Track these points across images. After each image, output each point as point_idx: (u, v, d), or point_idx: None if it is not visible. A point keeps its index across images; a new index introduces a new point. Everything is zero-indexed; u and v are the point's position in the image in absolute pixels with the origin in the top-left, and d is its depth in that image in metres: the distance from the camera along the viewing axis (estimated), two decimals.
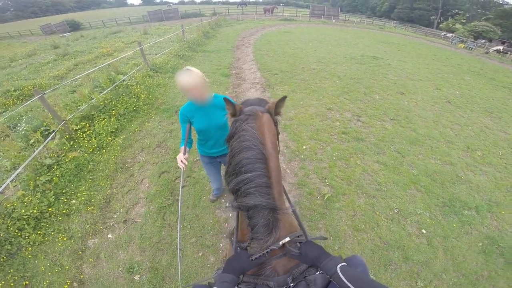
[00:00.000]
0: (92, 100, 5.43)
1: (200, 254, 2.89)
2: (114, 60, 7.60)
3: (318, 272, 0.98)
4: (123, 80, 6.59)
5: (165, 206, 3.46)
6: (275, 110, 1.18)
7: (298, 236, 1.11)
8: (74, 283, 2.73)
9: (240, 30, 19.76)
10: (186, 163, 1.97)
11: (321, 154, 4.37)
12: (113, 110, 5.47)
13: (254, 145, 0.99)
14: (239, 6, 45.00)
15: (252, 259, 1.01)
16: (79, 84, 7.32)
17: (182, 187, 2.16)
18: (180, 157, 1.98)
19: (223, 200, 3.50)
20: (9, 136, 4.66)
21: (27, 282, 2.70)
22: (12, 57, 13.05)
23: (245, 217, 1.05)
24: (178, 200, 3.54)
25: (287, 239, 1.04)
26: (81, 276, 2.79)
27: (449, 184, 3.86)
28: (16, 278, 2.70)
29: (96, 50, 12.65)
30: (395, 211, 3.35)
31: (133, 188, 3.80)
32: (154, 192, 3.66)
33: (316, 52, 12.28)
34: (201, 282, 2.53)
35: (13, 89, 7.68)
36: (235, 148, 1.02)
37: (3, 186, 3.34)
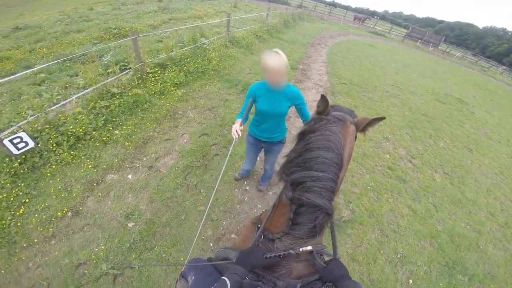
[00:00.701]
0: (171, 53, 5.86)
1: (201, 224, 2.98)
2: (202, 23, 8.06)
3: (324, 287, 0.98)
4: (203, 43, 6.99)
5: (192, 166, 3.60)
6: (363, 127, 1.13)
7: (322, 249, 1.06)
8: (70, 212, 2.88)
9: (321, 29, 19.07)
10: (240, 134, 1.99)
11: (358, 179, 4.12)
12: (185, 66, 5.84)
13: (337, 149, 0.96)
14: (328, 6, 43.25)
15: (266, 257, 1.00)
16: (167, 36, 7.89)
17: (228, 156, 2.21)
18: (236, 127, 1.99)
19: (245, 182, 3.54)
20: (93, 62, 5.29)
21: (27, 201, 2.88)
22: (123, 1, 14.51)
23: (288, 211, 1.02)
24: (206, 165, 3.70)
25: (309, 248, 1.01)
26: (80, 208, 2.94)
27: (464, 248, 3.47)
28: (20, 193, 2.90)
29: (190, 11, 13.40)
30: (399, 255, 3.13)
31: (172, 139, 4.03)
32: (188, 150, 3.83)
33: (396, 75, 11.18)
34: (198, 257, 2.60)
35: (114, 27, 8.53)
36: (314, 143, 0.99)
37: (68, 100, 3.80)
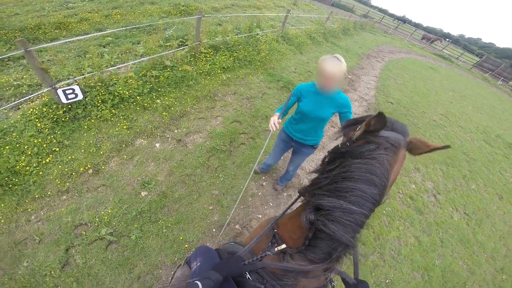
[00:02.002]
0: (227, 37, 5.86)
1: (210, 208, 2.89)
2: (260, 14, 7.96)
3: None
4: (257, 34, 6.91)
5: (217, 149, 3.57)
6: (418, 151, 0.93)
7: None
8: (91, 170, 2.95)
9: (381, 42, 17.70)
10: (278, 126, 1.92)
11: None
12: (236, 52, 5.80)
13: (381, 185, 0.80)
14: (397, 20, 39.94)
15: (244, 264, 0.97)
16: (226, 20, 7.96)
17: (263, 150, 2.14)
18: (275, 119, 1.92)
19: (263, 177, 3.42)
20: (156, 34, 5.49)
21: (57, 149, 3.00)
22: None
23: (306, 229, 0.90)
24: (231, 151, 3.65)
25: (283, 246, 0.99)
26: (102, 167, 2.99)
27: (450, 285, 3.15)
28: (54, 141, 3.02)
29: (252, 0, 13.37)
30: (387, 281, 2.89)
31: (206, 118, 4.04)
32: (218, 132, 3.81)
33: (449, 105, 9.94)
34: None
35: (182, 4, 8.80)
36: (354, 172, 0.82)
37: (124, 64, 3.98)
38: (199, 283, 0.82)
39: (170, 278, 1.37)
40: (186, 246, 2.54)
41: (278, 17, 10.15)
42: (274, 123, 1.89)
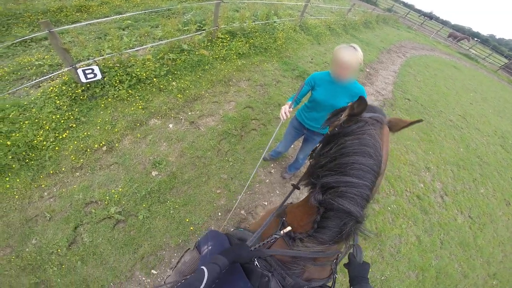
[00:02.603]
0: (244, 24, 5.70)
1: (218, 192, 2.85)
2: (278, 2, 7.70)
3: None
4: (274, 22, 6.68)
5: (229, 133, 3.51)
6: (397, 127, 1.00)
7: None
8: (105, 147, 2.96)
9: (404, 37, 16.74)
10: (288, 115, 1.86)
11: (383, 197, 3.63)
12: (252, 39, 5.65)
13: (375, 155, 0.84)
14: (423, 16, 37.71)
15: (251, 250, 1.00)
16: (244, 7, 7.76)
17: (273, 138, 2.07)
18: (286, 108, 1.86)
19: (272, 165, 3.34)
20: (175, 18, 5.43)
21: (74, 126, 3.02)
22: None
23: (315, 213, 0.91)
24: (242, 136, 3.58)
25: (289, 228, 1.02)
26: (116, 145, 3.00)
27: (442, 287, 3.04)
28: (71, 117, 3.04)
29: None
30: (383, 278, 2.81)
31: (219, 102, 3.97)
32: (230, 116, 3.74)
33: (469, 106, 9.26)
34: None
35: None
36: (350, 147, 0.86)
37: (143, 47, 3.95)
38: (205, 269, 0.81)
39: (176, 262, 1.33)
40: (192, 228, 2.51)
41: (297, 6, 9.81)
42: (285, 112, 1.84)
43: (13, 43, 4.37)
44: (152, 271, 2.22)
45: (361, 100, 0.91)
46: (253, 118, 3.89)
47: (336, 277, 1.05)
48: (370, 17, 14.74)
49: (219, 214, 2.67)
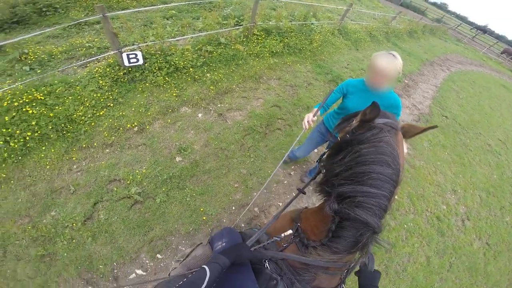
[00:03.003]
0: (280, 22, 5.62)
1: (235, 186, 2.83)
2: (317, 4, 7.49)
3: None
4: (312, 23, 6.50)
5: (254, 130, 3.49)
6: (410, 134, 0.97)
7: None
8: (136, 127, 3.05)
9: (451, 50, 15.41)
10: (312, 125, 1.78)
11: (401, 214, 3.40)
12: (287, 39, 5.54)
13: (394, 164, 0.80)
14: (475, 29, 34.44)
15: (251, 250, 1.00)
16: (281, 6, 7.65)
17: (295, 142, 2.03)
18: (309, 117, 1.78)
19: (292, 167, 3.26)
20: (215, 11, 5.51)
21: (111, 105, 3.15)
22: None
23: (330, 221, 0.88)
24: (266, 134, 3.53)
25: (290, 231, 1.04)
26: (147, 127, 3.08)
27: None
28: (110, 97, 3.16)
29: None
30: None
31: (248, 98, 3.96)
32: (257, 113, 3.71)
33: None
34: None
35: None
36: (367, 156, 0.82)
37: (183, 37, 4.04)
38: (206, 268, 0.81)
39: (185, 255, 1.31)
40: (204, 218, 2.52)
41: (337, 10, 9.45)
42: (307, 121, 1.76)
43: (69, 25, 4.72)
44: (158, 255, 2.25)
45: (374, 105, 0.88)
46: (279, 118, 3.82)
47: (343, 287, 1.02)
48: (416, 26, 13.79)
49: (233, 208, 2.66)
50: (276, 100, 4.10)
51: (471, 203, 4.25)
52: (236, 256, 0.93)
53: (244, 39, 4.85)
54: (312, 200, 3.00)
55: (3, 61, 3.81)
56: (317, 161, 1.21)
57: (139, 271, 2.17)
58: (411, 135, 0.98)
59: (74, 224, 2.30)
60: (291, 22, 5.84)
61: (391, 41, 10.25)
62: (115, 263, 2.17)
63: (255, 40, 4.97)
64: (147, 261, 2.22)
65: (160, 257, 2.25)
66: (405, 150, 1.01)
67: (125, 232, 2.33)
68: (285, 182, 3.09)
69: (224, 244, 1.13)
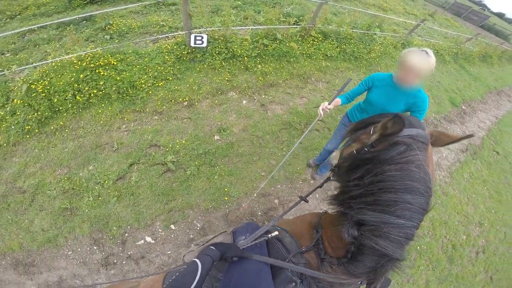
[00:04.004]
0: (341, 28, 5.33)
1: (262, 174, 2.79)
2: (385, 15, 6.91)
3: None
4: (375, 33, 6.03)
5: (292, 125, 3.44)
6: (440, 143, 0.83)
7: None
8: (187, 102, 3.20)
9: None
10: (328, 112, 1.73)
11: (417, 235, 2.99)
12: (345, 45, 5.23)
13: (426, 192, 0.69)
14: None
15: (241, 248, 0.95)
16: (344, 12, 7.26)
17: (309, 129, 1.95)
18: (325, 104, 1.72)
19: (317, 172, 3.07)
20: (277, 8, 5.44)
21: (170, 79, 3.33)
22: None
23: (347, 242, 0.78)
24: (303, 131, 3.43)
25: (276, 232, 0.98)
26: (196, 104, 3.17)
27: None
28: (171, 71, 3.33)
29: (378, 0, 11.72)
30: None
31: (292, 95, 3.89)
32: (298, 111, 3.65)
33: None
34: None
35: None
36: (393, 182, 0.69)
37: (244, 28, 4.10)
38: (198, 261, 0.78)
39: (205, 240, 1.28)
40: (226, 198, 2.55)
41: (405, 24, 8.63)
42: (322, 109, 1.69)
43: (149, 4, 5.12)
44: (172, 225, 2.29)
45: (398, 118, 0.72)
46: (320, 120, 3.67)
47: None
48: (493, 51, 11.92)
49: (255, 195, 2.65)
50: (320, 102, 3.91)
51: (493, 238, 3.76)
52: (224, 250, 0.89)
53: (300, 39, 4.72)
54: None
55: (90, 29, 4.31)
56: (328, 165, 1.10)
57: (149, 239, 2.21)
58: (441, 144, 0.84)
59: (106, 182, 2.40)
60: (352, 29, 5.50)
61: (459, 62, 9.05)
62: (129, 227, 2.22)
63: (311, 41, 4.80)
64: (159, 230, 2.26)
65: (174, 228, 2.29)
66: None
67: (149, 198, 2.39)
68: (312, 182, 2.99)
69: (247, 240, 1.08)
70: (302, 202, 1.22)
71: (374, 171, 0.75)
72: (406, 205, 0.68)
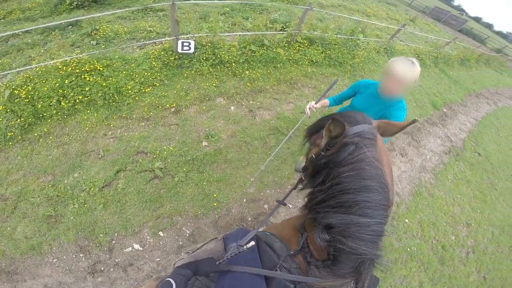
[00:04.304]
0: (326, 34, 5.42)
1: (251, 179, 2.82)
2: (368, 21, 7.11)
3: None
4: (358, 39, 6.19)
5: (279, 130, 3.48)
6: (388, 133, 0.84)
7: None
8: (174, 108, 3.21)
9: (504, 84, 13.31)
10: (314, 111, 1.78)
11: (407, 237, 3.17)
12: (329, 50, 5.33)
13: (381, 187, 0.71)
14: None
15: (217, 263, 0.90)
16: (329, 18, 7.41)
17: (296, 128, 1.99)
18: (312, 104, 1.77)
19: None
20: (265, 14, 5.48)
21: (157, 85, 3.32)
22: None
23: (325, 245, 0.79)
24: (291, 137, 3.45)
25: (252, 243, 0.90)
26: (183, 110, 3.17)
27: None
28: (158, 77, 3.33)
29: (362, 6, 12.04)
30: None
31: (280, 100, 3.95)
32: (285, 116, 3.70)
33: None
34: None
35: None
36: (348, 184, 0.72)
37: (231, 34, 4.14)
38: (172, 281, 0.77)
39: (196, 248, 1.24)
40: (215, 204, 2.54)
41: (388, 28, 8.89)
42: (309, 107, 1.75)
43: (137, 9, 5.07)
44: (160, 232, 2.26)
45: (337, 120, 0.74)
46: (306, 125, 3.73)
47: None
48: (471, 54, 12.44)
49: (244, 200, 2.67)
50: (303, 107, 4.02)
51: (481, 238, 3.87)
52: (198, 269, 0.87)
53: (286, 45, 4.79)
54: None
55: (76, 34, 4.22)
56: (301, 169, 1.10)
57: (137, 246, 2.17)
58: (389, 134, 0.86)
59: (91, 189, 2.35)
60: (337, 35, 5.61)
61: (439, 66, 9.39)
62: (116, 234, 2.18)
63: (297, 47, 4.87)
64: (148, 237, 2.23)
65: (162, 235, 2.26)
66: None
67: (136, 205, 2.35)
68: (300, 186, 3.02)
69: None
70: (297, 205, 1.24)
71: (331, 174, 0.77)
72: (366, 204, 0.69)
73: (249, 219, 2.56)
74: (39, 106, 2.83)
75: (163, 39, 4.01)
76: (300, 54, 4.81)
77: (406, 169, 4.14)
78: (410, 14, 16.31)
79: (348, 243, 0.70)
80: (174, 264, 1.24)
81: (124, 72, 3.28)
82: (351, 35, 6.04)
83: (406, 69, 1.36)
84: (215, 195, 2.60)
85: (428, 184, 4.03)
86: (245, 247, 0.91)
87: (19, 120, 2.73)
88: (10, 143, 2.61)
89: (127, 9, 4.64)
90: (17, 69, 3.26)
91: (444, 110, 6.70)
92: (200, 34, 3.95)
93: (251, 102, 3.72)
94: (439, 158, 4.82)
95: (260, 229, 1.17)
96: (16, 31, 3.95)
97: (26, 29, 3.94)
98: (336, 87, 4.82)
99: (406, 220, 3.29)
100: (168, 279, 0.78)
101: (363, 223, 0.70)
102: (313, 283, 0.81)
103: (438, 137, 5.45)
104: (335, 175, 0.76)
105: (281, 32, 4.87)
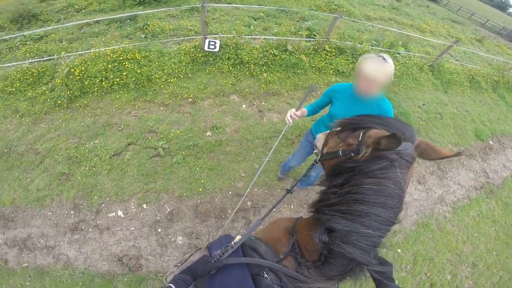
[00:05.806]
0: (359, 45, 5.06)
1: (242, 175, 2.85)
2: (415, 35, 6.35)
3: None
4: (398, 52, 5.61)
5: (283, 135, 3.32)
6: (427, 157, 0.77)
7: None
8: (191, 99, 3.37)
9: None
10: (296, 119, 1.63)
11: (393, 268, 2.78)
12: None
13: (396, 207, 0.69)
14: None
15: (211, 262, 0.89)
16: (369, 29, 6.84)
17: (280, 137, 1.91)
18: (292, 111, 1.62)
19: (291, 179, 3.01)
20: (296, 22, 5.32)
21: (181, 77, 3.48)
22: None
23: (322, 245, 0.78)
24: (293, 142, 3.37)
25: (238, 237, 0.97)
26: (199, 101, 3.30)
27: None
28: (183, 70, 3.47)
29: (418, 21, 10.74)
30: None
31: (292, 106, 3.82)
32: (294, 122, 3.59)
33: None
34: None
35: (335, 2, 8.01)
36: (368, 196, 0.68)
37: (258, 37, 4.13)
38: (173, 286, 0.79)
39: (183, 260, 1.21)
40: (200, 190, 2.62)
41: (443, 46, 7.81)
42: (290, 116, 1.59)
43: (185, 9, 5.46)
44: (144, 205, 2.39)
45: (395, 139, 0.63)
46: (290, 133, 3.56)
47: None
48: None
49: (230, 193, 2.70)
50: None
51: (484, 281, 3.22)
52: (195, 271, 0.88)
53: (313, 52, 4.61)
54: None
55: (132, 27, 4.76)
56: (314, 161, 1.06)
57: (120, 213, 2.33)
58: (427, 158, 0.77)
59: (104, 155, 2.63)
60: (372, 46, 5.19)
61: (498, 92, 7.89)
62: (107, 199, 2.36)
63: (323, 55, 4.66)
64: (132, 207, 2.37)
65: (145, 207, 2.39)
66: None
67: (134, 176, 2.55)
68: (291, 195, 2.93)
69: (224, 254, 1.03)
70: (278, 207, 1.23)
71: (352, 181, 0.73)
72: (376, 218, 0.67)
73: (229, 211, 2.58)
74: (86, 83, 3.32)
75: (196, 37, 4.25)
76: (325, 63, 4.59)
77: (419, 198, 3.65)
78: (479, 33, 14.00)
79: (346, 248, 0.69)
80: (165, 279, 1.22)
81: (157, 63, 3.62)
82: (389, 47, 5.51)
83: (377, 67, 1.23)
84: (202, 181, 2.68)
85: (441, 217, 3.49)
86: (232, 242, 0.94)
87: (68, 92, 3.25)
88: (57, 109, 3.13)
89: (176, 8, 5.05)
90: (79, 52, 3.86)
91: (490, 142, 5.64)
92: (227, 35, 4.09)
93: (263, 103, 3.72)
94: (465, 193, 4.11)
95: (259, 227, 1.15)
96: (88, 20, 4.65)
97: (96, 19, 4.61)
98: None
99: (399, 250, 2.93)
100: (169, 284, 0.80)
101: (366, 234, 0.68)
102: (303, 281, 0.80)
103: (472, 171, 4.64)
104: (356, 183, 0.71)
105: (308, 39, 4.72)
